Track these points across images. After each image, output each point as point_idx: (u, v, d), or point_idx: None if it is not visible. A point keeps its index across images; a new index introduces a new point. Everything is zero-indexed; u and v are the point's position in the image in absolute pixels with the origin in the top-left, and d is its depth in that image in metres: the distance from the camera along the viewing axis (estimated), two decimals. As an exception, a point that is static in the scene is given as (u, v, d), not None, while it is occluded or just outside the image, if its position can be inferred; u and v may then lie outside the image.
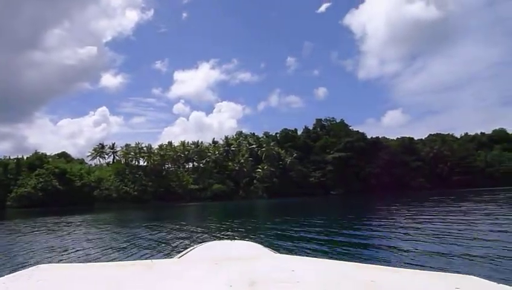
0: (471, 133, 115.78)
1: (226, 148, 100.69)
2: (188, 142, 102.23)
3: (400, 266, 1.90)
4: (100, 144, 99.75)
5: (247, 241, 3.22)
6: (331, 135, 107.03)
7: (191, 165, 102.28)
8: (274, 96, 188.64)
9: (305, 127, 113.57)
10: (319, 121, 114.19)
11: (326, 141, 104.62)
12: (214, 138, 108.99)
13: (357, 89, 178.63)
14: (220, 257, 2.14)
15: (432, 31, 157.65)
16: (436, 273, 1.59)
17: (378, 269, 1.70)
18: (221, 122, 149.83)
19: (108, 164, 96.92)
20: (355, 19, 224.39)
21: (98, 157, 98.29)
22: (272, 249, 2.80)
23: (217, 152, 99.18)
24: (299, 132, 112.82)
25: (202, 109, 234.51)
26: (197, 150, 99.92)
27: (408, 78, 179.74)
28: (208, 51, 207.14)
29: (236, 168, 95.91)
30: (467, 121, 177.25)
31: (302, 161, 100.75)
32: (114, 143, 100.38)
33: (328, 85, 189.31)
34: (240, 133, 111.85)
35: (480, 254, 9.27)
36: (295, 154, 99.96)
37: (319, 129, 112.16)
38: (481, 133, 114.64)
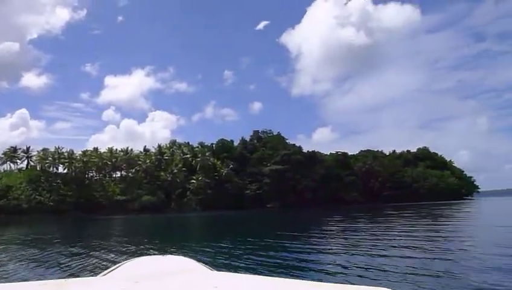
0: (398, 150, 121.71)
1: (158, 157, 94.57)
2: (116, 150, 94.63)
3: (321, 281, 1.94)
4: (12, 147, 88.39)
5: (180, 257, 3.02)
6: (268, 147, 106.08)
7: (118, 174, 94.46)
8: (209, 108, 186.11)
9: (242, 138, 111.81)
10: (256, 132, 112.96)
11: (263, 153, 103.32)
12: (145, 146, 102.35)
13: (290, 105, 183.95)
14: (146, 274, 2.11)
15: (361, 56, 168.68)
16: (350, 287, 1.62)
17: (304, 284, 1.74)
18: (154, 132, 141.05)
19: (20, 170, 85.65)
20: (291, 39, 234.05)
21: (8, 162, 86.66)
22: (206, 264, 2.65)
23: (148, 161, 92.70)
24: (236, 143, 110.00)
25: (134, 117, 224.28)
26: (126, 158, 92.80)
27: (338, 97, 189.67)
28: (143, 57, 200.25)
29: (169, 178, 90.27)
30: (390, 140, 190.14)
31: (239, 172, 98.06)
32: (29, 147, 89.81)
33: (263, 100, 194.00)
34: (173, 142, 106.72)
35: (395, 266, 10.09)
36: (231, 166, 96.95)
37: (256, 141, 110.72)
38: (407, 151, 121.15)
